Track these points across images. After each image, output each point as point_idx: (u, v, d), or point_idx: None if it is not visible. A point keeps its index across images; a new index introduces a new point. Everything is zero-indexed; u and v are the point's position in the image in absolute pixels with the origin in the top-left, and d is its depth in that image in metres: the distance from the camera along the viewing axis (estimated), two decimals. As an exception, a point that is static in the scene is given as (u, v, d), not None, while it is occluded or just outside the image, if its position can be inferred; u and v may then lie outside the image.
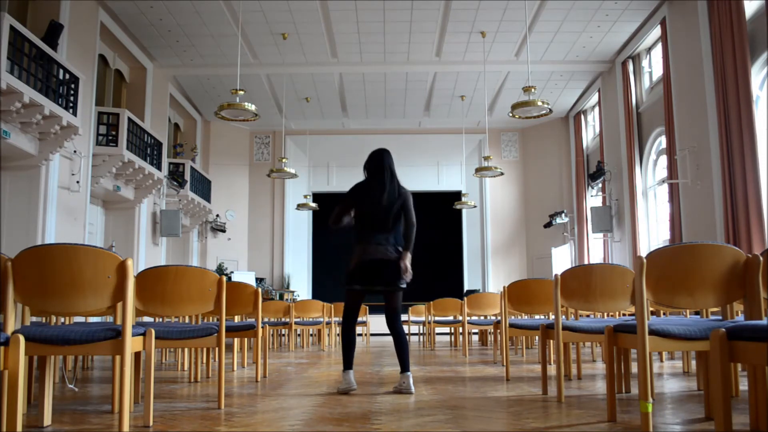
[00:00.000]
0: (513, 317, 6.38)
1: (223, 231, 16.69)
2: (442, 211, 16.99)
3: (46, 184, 9.11)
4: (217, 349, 3.67)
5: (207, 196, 15.66)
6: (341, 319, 4.23)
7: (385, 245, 4.06)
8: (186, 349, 5.57)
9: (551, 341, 4.03)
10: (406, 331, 12.57)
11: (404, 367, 4.00)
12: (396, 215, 4.14)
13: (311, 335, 12.34)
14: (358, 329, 12.14)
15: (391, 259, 4.05)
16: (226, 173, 17.11)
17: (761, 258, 2.64)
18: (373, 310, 11.43)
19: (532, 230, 17.40)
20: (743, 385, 3.70)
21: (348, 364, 4.01)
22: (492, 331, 8.09)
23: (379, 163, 4.23)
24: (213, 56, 13.07)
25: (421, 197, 17.91)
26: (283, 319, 9.27)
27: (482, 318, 8.55)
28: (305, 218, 18.04)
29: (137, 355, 3.40)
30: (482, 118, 15.52)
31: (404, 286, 4.12)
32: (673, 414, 3.10)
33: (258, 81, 14.03)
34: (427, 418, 2.99)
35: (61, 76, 8.86)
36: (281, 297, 16.06)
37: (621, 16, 11.43)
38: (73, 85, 9.15)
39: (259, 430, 2.71)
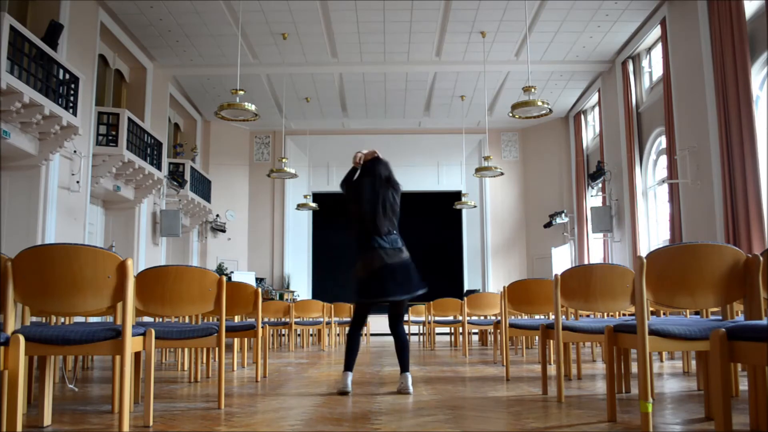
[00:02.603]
0: (513, 317, 6.37)
1: (223, 231, 16.68)
2: (442, 211, 16.99)
3: (46, 184, 9.11)
4: (217, 349, 3.67)
5: (207, 196, 15.65)
6: (351, 321, 4.25)
7: (386, 247, 3.97)
8: (186, 349, 5.57)
9: (551, 341, 4.03)
10: (406, 332, 12.59)
11: (403, 368, 4.01)
12: (385, 201, 4.06)
13: (311, 335, 12.34)
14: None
15: (395, 264, 3.96)
16: (226, 173, 17.10)
17: (761, 258, 2.64)
18: (373, 311, 11.40)
19: (532, 230, 17.39)
20: (743, 385, 3.70)
21: (348, 365, 4.02)
22: (492, 331, 8.09)
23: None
24: (213, 56, 13.07)
25: (421, 197, 18.18)
26: (283, 319, 9.27)
27: (482, 318, 8.55)
28: (305, 218, 18.03)
29: (137, 355, 3.40)
30: (482, 118, 15.51)
31: (420, 292, 4.01)
32: (673, 414, 3.10)
33: (258, 81, 14.03)
34: (427, 418, 2.99)
35: (61, 76, 8.86)
36: (281, 297, 16.06)
37: (621, 16, 11.43)
38: (73, 85, 9.14)
39: (259, 430, 2.70)
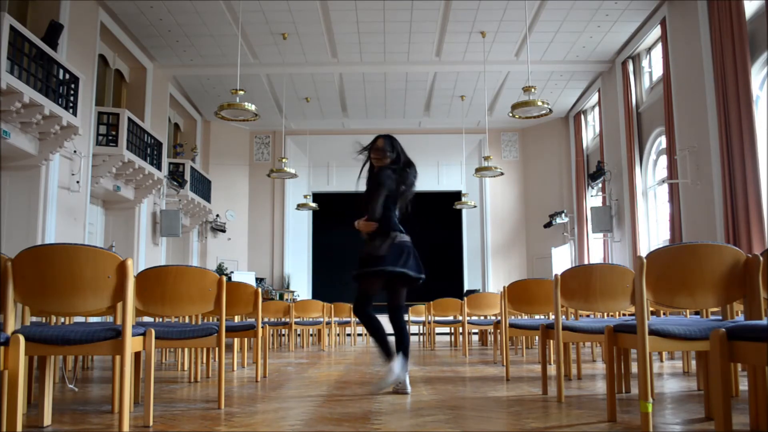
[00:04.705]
0: (513, 317, 6.37)
1: (223, 231, 16.68)
2: (442, 211, 16.97)
3: (46, 184, 9.11)
4: (217, 349, 3.67)
5: (207, 196, 15.65)
6: (353, 305, 4.12)
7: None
8: (186, 349, 5.57)
9: (551, 341, 4.03)
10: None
11: (398, 347, 3.85)
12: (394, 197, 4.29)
13: (311, 335, 12.33)
14: (358, 329, 12.15)
15: (399, 241, 4.04)
16: (226, 173, 17.10)
17: (761, 258, 2.64)
18: (374, 310, 11.40)
19: (532, 230, 17.39)
20: (743, 385, 3.70)
21: (387, 352, 3.84)
22: (492, 331, 8.09)
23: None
24: (213, 56, 13.07)
25: (421, 197, 18.06)
26: (283, 319, 9.27)
27: (482, 318, 8.55)
28: (305, 218, 18.03)
29: (137, 355, 3.40)
30: (482, 118, 15.51)
31: (412, 274, 3.92)
32: (673, 414, 3.10)
33: (258, 81, 14.03)
34: (427, 418, 2.99)
35: (61, 76, 8.86)
36: (281, 297, 16.06)
37: (621, 16, 11.43)
38: (73, 85, 9.14)
39: (259, 430, 2.70)
